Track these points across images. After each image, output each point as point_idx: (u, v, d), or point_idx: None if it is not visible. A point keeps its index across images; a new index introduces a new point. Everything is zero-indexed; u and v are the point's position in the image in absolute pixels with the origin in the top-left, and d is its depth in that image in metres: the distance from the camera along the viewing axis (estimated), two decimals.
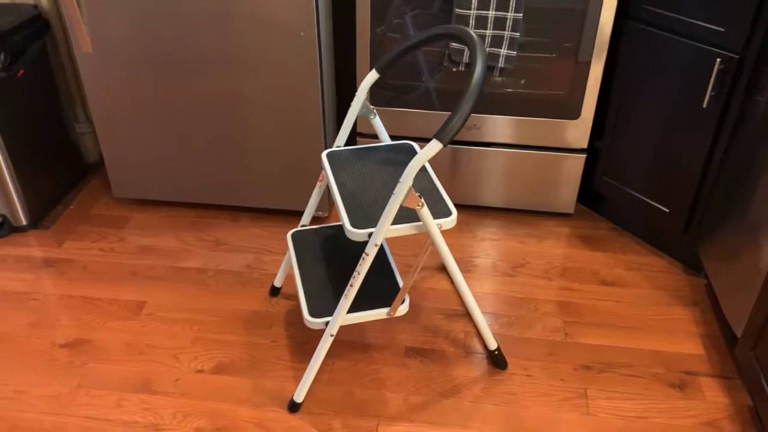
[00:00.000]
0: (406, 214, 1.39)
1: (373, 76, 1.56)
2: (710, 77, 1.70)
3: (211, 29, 1.84)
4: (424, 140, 2.07)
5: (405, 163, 1.55)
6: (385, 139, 1.69)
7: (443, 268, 2.00)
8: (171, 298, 1.88)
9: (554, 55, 1.92)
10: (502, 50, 1.87)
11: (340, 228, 1.74)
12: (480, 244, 2.10)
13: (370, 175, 1.53)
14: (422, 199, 1.32)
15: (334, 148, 1.64)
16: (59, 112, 2.25)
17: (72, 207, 2.26)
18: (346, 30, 2.02)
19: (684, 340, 1.77)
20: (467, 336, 1.77)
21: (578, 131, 2.03)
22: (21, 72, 1.98)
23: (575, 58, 1.91)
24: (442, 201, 1.45)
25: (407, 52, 1.50)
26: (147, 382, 1.64)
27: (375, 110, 1.63)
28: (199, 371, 1.66)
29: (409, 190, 1.30)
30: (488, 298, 1.90)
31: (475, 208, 2.26)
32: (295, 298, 1.89)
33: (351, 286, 1.41)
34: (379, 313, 1.50)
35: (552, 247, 2.09)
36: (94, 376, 1.65)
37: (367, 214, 1.39)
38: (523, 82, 1.97)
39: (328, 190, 2.09)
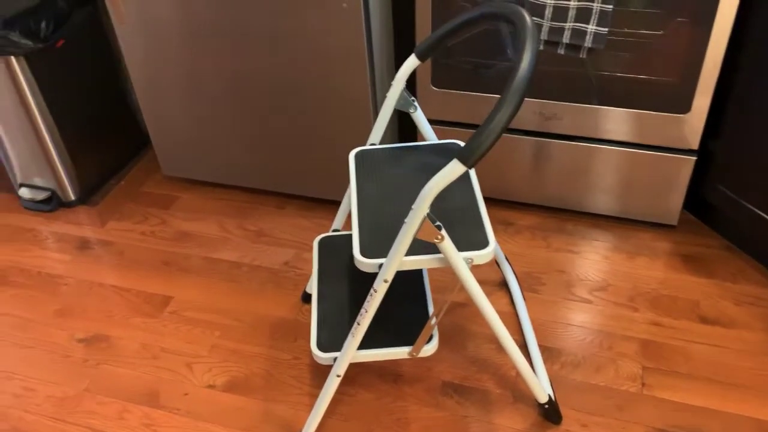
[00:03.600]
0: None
1: (412, 62, 1.28)
2: None
3: (248, 1, 1.62)
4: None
5: None
6: (430, 138, 1.41)
7: (504, 284, 1.70)
8: (199, 294, 1.73)
9: (662, 32, 1.53)
10: (589, 26, 1.50)
11: None
12: (554, 257, 1.77)
13: (401, 184, 1.26)
14: (443, 231, 1.04)
15: (366, 147, 1.38)
16: (115, 81, 2.14)
17: (123, 183, 2.16)
18: (405, 3, 1.71)
19: None
20: (519, 375, 1.48)
21: (688, 128, 1.63)
22: (60, 43, 1.86)
23: (689, 36, 1.51)
24: (479, 226, 1.16)
25: (449, 36, 1.20)
26: (154, 394, 1.50)
27: (416, 102, 1.35)
28: (210, 386, 1.50)
29: (424, 220, 1.02)
30: (552, 327, 1.59)
31: (554, 210, 1.91)
32: None
33: (358, 324, 1.17)
34: (400, 353, 1.25)
35: (644, 266, 1.72)
36: (103, 380, 1.54)
37: (383, 239, 1.14)
38: (619, 64, 1.60)
39: None
